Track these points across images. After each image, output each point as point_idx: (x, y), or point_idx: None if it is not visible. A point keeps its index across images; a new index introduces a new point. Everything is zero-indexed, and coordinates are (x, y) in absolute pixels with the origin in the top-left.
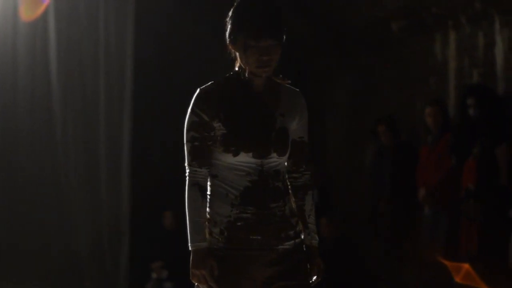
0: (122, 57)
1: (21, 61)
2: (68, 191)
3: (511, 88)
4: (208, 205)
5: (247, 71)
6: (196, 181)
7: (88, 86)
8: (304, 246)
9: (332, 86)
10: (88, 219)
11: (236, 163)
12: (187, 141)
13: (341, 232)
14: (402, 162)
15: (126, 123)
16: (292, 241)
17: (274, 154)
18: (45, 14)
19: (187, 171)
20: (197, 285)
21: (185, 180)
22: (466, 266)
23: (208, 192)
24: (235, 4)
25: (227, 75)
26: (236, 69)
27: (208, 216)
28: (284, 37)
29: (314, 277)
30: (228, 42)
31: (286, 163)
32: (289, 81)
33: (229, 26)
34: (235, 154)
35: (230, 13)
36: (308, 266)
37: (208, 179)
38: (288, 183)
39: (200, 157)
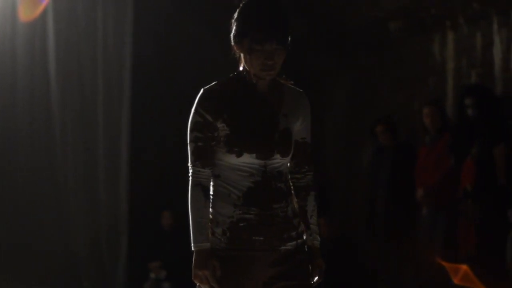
0: (121, 57)
1: (20, 61)
2: (66, 191)
3: (509, 88)
4: (210, 205)
5: (251, 72)
6: (199, 181)
7: (86, 86)
8: (305, 246)
9: (331, 86)
10: (87, 219)
11: (239, 163)
12: (190, 141)
13: (339, 232)
14: (400, 162)
15: (125, 123)
16: (294, 242)
17: (277, 155)
18: (44, 14)
19: (190, 171)
20: (198, 285)
21: (188, 180)
22: (464, 267)
23: (211, 192)
24: (241, 5)
25: (231, 75)
26: (241, 69)
27: (210, 216)
28: (289, 40)
29: (316, 278)
30: (233, 43)
31: (288, 164)
32: (292, 82)
33: (234, 27)
34: (239, 155)
35: (236, 14)
36: (310, 267)
37: (211, 179)
38: (291, 184)
39: (204, 157)
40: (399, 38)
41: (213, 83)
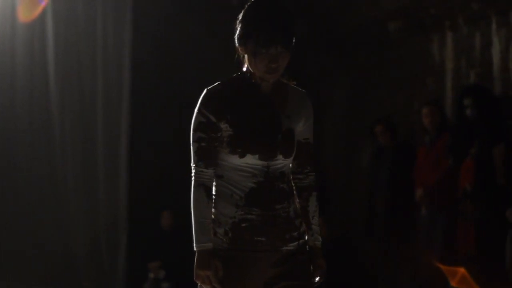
0: (120, 57)
1: (19, 62)
2: (66, 191)
3: (508, 88)
4: (212, 205)
5: (255, 74)
6: (202, 181)
7: (86, 87)
8: (307, 247)
9: (331, 86)
10: (86, 219)
11: (242, 164)
12: (193, 141)
13: (339, 232)
14: (400, 162)
15: (124, 124)
16: (296, 242)
17: (280, 156)
18: (43, 15)
19: (193, 171)
20: (200, 285)
21: (189, 180)
22: (461, 270)
23: (213, 192)
24: (246, 6)
25: (234, 75)
26: (244, 69)
27: (212, 216)
28: (294, 42)
29: (317, 278)
30: (237, 44)
31: (291, 164)
32: (295, 82)
33: (239, 29)
34: (242, 156)
35: (240, 15)
36: (311, 267)
37: (214, 180)
38: (293, 184)
39: (207, 157)
40: (399, 38)
41: (216, 83)
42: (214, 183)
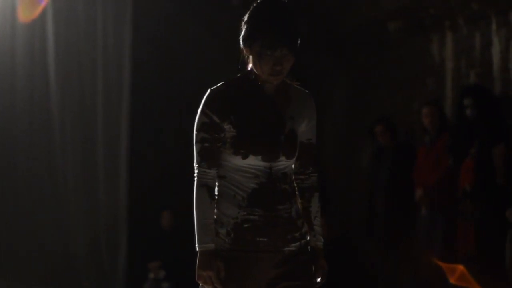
0: (120, 58)
1: (20, 62)
2: (66, 191)
3: (508, 88)
4: (215, 205)
5: (259, 75)
6: (205, 182)
7: (86, 87)
8: (309, 247)
9: (331, 86)
10: (86, 219)
11: (244, 165)
12: (196, 141)
13: (339, 233)
14: (400, 162)
15: (124, 124)
16: (298, 243)
17: (283, 158)
18: (43, 15)
19: (196, 171)
20: (201, 285)
21: (191, 180)
22: (460, 267)
23: (215, 193)
24: (252, 7)
25: (238, 75)
26: (249, 69)
27: (215, 217)
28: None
29: (319, 279)
30: (242, 45)
31: (293, 165)
32: (299, 83)
33: (244, 30)
34: (244, 157)
35: (246, 17)
36: (313, 268)
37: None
38: (295, 185)
39: (210, 158)
40: (398, 39)
41: (220, 83)
42: (216, 184)
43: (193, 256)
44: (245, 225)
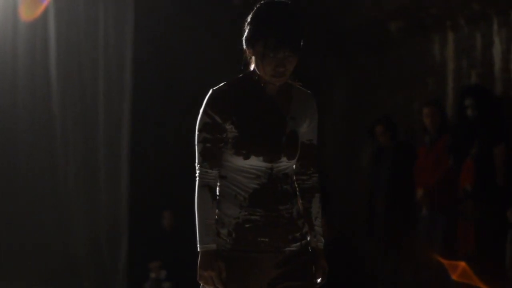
0: (122, 58)
1: (21, 61)
2: (67, 191)
3: (509, 88)
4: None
5: (262, 76)
6: (206, 182)
7: (87, 87)
8: (309, 248)
9: (331, 87)
10: (87, 219)
11: (246, 166)
12: (198, 142)
13: (339, 233)
14: (400, 162)
15: (125, 124)
16: (299, 243)
17: (284, 158)
18: (44, 14)
19: (197, 172)
20: (203, 285)
21: (193, 180)
22: (462, 264)
23: (217, 193)
24: (255, 8)
25: (240, 75)
26: (251, 69)
27: (216, 217)
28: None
29: (319, 279)
30: (245, 46)
31: (294, 166)
32: (300, 83)
33: (247, 31)
34: (246, 157)
35: (249, 17)
36: (313, 268)
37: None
38: (296, 185)
39: (212, 158)
40: (399, 39)
41: (222, 83)
42: (217, 184)
43: (194, 256)
44: (247, 225)
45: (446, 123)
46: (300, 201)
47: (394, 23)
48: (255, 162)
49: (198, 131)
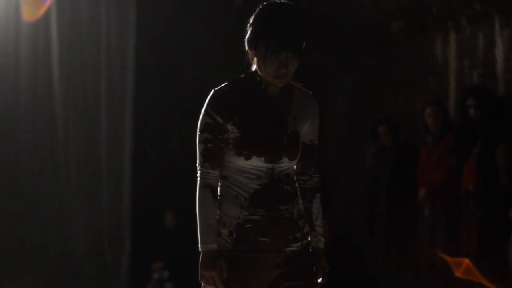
0: (124, 58)
1: (23, 61)
2: (69, 192)
3: (511, 88)
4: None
5: (263, 78)
6: (208, 182)
7: (89, 87)
8: (310, 248)
9: (332, 87)
10: (90, 219)
11: (247, 166)
12: (200, 142)
13: (340, 233)
14: (402, 162)
15: (128, 124)
16: (300, 243)
17: (285, 159)
18: (47, 14)
19: (199, 172)
20: (204, 285)
21: (194, 180)
22: (466, 261)
23: (218, 193)
24: (257, 10)
25: (242, 76)
26: (253, 69)
27: (217, 217)
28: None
29: (320, 279)
30: (247, 47)
31: (295, 166)
32: (302, 84)
33: (249, 32)
34: (247, 158)
35: (252, 19)
36: (314, 268)
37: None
38: (297, 186)
39: (213, 158)
40: (400, 39)
41: (223, 84)
42: (218, 184)
43: (197, 256)
44: (247, 226)
45: (449, 123)
46: (301, 201)
47: (396, 23)
48: (256, 163)
49: (200, 131)
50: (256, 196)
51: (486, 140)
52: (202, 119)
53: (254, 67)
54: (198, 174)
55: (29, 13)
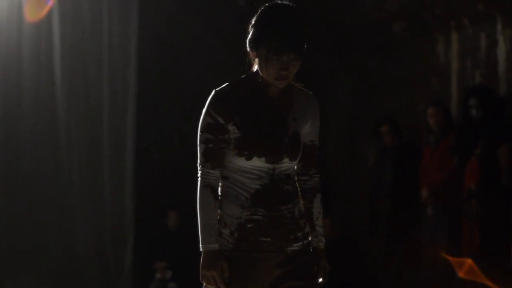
0: (126, 58)
1: (26, 62)
2: (71, 192)
3: None
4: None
5: (265, 79)
6: (208, 182)
7: (91, 87)
8: (311, 248)
9: (333, 87)
10: (92, 219)
11: (248, 166)
12: (201, 142)
13: (341, 233)
14: (404, 162)
15: (130, 124)
16: (300, 243)
17: (286, 159)
18: (49, 15)
19: (199, 172)
20: (205, 285)
21: (195, 180)
22: (469, 261)
23: (219, 193)
24: (259, 11)
25: (243, 76)
26: (254, 70)
27: (218, 217)
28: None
29: (320, 279)
30: (248, 48)
31: (296, 166)
32: (303, 84)
33: (251, 33)
34: (248, 158)
35: (253, 20)
36: (315, 268)
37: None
38: (297, 186)
39: (214, 159)
40: (402, 39)
41: (225, 84)
42: (219, 184)
43: (200, 256)
44: (249, 225)
45: (451, 123)
46: (302, 201)
47: (398, 23)
48: (257, 163)
49: (201, 131)
50: (257, 196)
51: (488, 140)
52: (203, 119)
53: (255, 68)
54: (199, 174)
55: (32, 13)
